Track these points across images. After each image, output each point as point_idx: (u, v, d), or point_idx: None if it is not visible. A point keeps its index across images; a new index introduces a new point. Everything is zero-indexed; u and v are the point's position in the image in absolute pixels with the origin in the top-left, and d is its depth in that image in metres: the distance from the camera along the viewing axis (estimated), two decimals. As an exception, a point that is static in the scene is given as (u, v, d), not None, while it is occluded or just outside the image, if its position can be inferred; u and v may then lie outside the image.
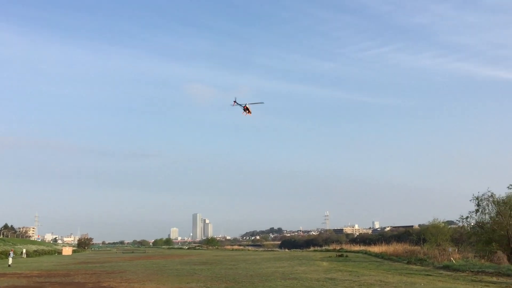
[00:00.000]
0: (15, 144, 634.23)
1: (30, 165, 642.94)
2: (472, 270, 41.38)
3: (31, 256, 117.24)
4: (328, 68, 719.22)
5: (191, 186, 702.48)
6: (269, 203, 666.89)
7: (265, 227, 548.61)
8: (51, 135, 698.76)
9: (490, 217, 59.65)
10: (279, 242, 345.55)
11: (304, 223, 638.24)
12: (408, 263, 55.67)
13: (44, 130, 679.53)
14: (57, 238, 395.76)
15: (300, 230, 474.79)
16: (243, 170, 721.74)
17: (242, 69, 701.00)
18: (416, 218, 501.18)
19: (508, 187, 57.66)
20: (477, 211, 60.16)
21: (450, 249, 61.80)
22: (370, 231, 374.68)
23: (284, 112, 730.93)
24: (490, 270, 39.83)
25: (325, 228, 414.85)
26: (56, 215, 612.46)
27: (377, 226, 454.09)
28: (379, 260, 65.61)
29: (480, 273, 38.93)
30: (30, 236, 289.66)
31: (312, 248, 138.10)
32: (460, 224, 67.60)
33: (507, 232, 55.50)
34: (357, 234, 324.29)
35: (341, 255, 77.84)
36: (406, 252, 72.03)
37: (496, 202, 58.38)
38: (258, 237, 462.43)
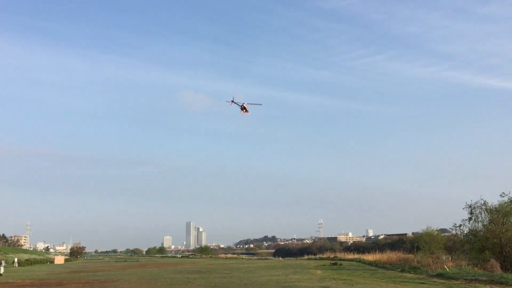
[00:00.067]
0: (7, 152, 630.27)
1: (22, 173, 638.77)
2: (465, 278, 41.49)
3: (23, 265, 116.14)
4: (322, 76, 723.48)
5: (184, 194, 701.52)
6: (263, 211, 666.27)
7: (259, 235, 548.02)
8: (43, 143, 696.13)
9: (483, 225, 60.03)
10: (273, 251, 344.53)
11: (298, 231, 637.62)
12: (402, 271, 55.70)
13: (36, 138, 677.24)
14: (49, 247, 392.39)
15: (294, 238, 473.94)
16: (236, 178, 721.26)
17: (236, 77, 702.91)
18: (409, 226, 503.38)
19: (500, 195, 58.18)
20: (470, 219, 60.54)
21: (444, 257, 61.99)
22: (364, 239, 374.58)
23: (278, 119, 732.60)
24: (484, 278, 39.96)
25: (319, 236, 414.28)
26: (48, 224, 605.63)
27: (371, 234, 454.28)
28: (373, 268, 65.58)
29: (473, 281, 39.04)
30: (22, 245, 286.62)
31: (306, 256, 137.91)
32: (454, 232, 67.99)
33: (500, 240, 55.82)
34: (351, 242, 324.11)
35: (335, 263, 77.79)
36: (400, 260, 72.12)
37: (488, 210, 58.78)
38: (252, 246, 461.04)
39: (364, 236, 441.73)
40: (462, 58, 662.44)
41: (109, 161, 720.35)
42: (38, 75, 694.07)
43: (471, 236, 62.04)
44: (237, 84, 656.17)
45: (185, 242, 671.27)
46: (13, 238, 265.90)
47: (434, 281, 40.50)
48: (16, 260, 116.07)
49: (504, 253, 55.56)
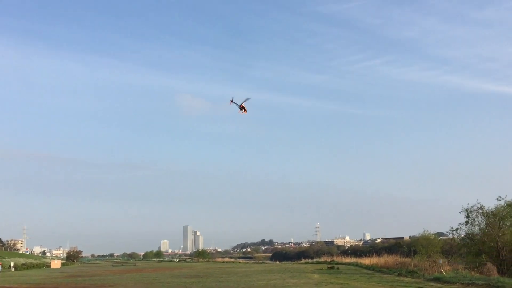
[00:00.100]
0: (3, 155, 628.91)
1: (18, 177, 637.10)
2: (462, 282, 41.56)
3: (19, 270, 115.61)
4: (319, 80, 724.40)
5: (182, 198, 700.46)
6: (260, 215, 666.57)
7: (256, 239, 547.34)
8: (40, 146, 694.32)
9: (480, 229, 60.25)
10: (270, 254, 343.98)
11: (295, 235, 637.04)
12: (399, 275, 55.74)
13: (33, 142, 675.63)
14: (45, 251, 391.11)
15: (291, 242, 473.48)
16: (234, 181, 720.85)
17: (234, 80, 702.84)
18: (406, 230, 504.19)
19: (497, 199, 58.45)
20: (466, 222, 60.78)
21: (441, 261, 62.10)
22: (361, 243, 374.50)
23: (275, 123, 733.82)
24: (480, 282, 40.02)
25: (316, 240, 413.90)
26: (45, 228, 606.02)
27: (368, 237, 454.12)
28: (370, 272, 65.59)
29: (470, 285, 39.11)
30: (19, 249, 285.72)
31: (303, 260, 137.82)
32: (450, 235, 68.27)
33: (497, 243, 56.00)
34: (348, 246, 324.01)
35: (332, 267, 77.75)
36: (397, 264, 72.18)
37: (485, 214, 59.02)
38: (249, 249, 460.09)
39: (361, 239, 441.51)
40: (458, 62, 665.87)
41: (106, 165, 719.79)
42: (36, 78, 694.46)
43: (467, 240, 62.26)
44: (235, 88, 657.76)
45: (182, 246, 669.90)
46: (9, 242, 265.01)
47: (431, 285, 40.54)
48: (12, 264, 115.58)
49: (500, 257, 55.73)
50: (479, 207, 59.57)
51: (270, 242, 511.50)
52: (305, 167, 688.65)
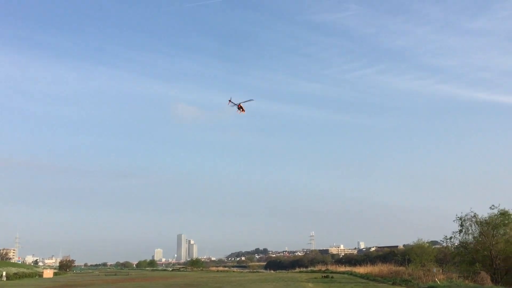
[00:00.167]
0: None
1: (11, 185, 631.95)
2: (456, 291, 41.56)
3: (11, 279, 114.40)
4: (313, 89, 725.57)
5: (175, 206, 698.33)
6: (255, 223, 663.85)
7: (250, 247, 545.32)
8: (33, 154, 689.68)
9: (474, 237, 60.35)
10: (265, 263, 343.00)
11: (289, 244, 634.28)
12: (393, 284, 55.73)
13: (26, 150, 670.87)
14: (38, 260, 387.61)
15: (285, 251, 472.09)
16: (228, 190, 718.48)
17: (228, 89, 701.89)
18: (401, 238, 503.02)
19: (490, 208, 58.60)
20: (460, 231, 60.85)
21: (435, 270, 62.10)
22: (355, 251, 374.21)
23: (269, 131, 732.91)
24: (474, 291, 40.04)
25: (311, 249, 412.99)
26: (37, 237, 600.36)
27: (362, 246, 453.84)
28: (364, 281, 65.51)
29: (464, 294, 39.10)
30: (11, 258, 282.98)
31: (297, 269, 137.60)
32: (444, 244, 68.26)
33: (490, 252, 56.08)
34: (343, 254, 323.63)
35: (327, 276, 77.61)
36: (391, 273, 72.17)
37: (479, 223, 59.15)
38: (243, 258, 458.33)
39: (355, 248, 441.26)
40: (451, 71, 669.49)
41: (99, 173, 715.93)
42: (30, 86, 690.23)
43: (461, 249, 62.32)
44: (229, 96, 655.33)
45: (176, 255, 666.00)
46: (1, 251, 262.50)
47: (425, 294, 40.50)
48: (4, 273, 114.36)
49: (494, 266, 55.81)
50: (472, 215, 59.77)
51: (265, 251, 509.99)
52: (300, 175, 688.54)
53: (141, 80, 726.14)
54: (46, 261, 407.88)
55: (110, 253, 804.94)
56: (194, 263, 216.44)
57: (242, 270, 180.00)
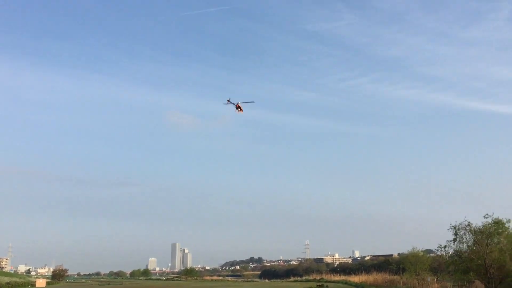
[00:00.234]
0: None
1: (3, 194, 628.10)
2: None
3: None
4: (309, 98, 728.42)
5: (170, 215, 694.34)
6: (249, 232, 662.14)
7: (245, 256, 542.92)
8: (27, 162, 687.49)
9: (468, 246, 60.36)
10: (259, 272, 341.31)
11: (284, 252, 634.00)
12: (388, 293, 55.61)
13: (20, 158, 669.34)
14: (30, 270, 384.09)
15: (280, 260, 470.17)
16: (222, 198, 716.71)
17: (223, 97, 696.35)
18: (395, 247, 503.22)
19: (484, 216, 58.69)
20: (454, 240, 60.86)
21: (429, 279, 62.13)
22: (350, 260, 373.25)
23: (264, 140, 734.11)
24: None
25: (306, 257, 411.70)
26: (30, 246, 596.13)
27: (357, 255, 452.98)
28: (359, 290, 65.37)
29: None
30: (3, 267, 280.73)
31: (292, 278, 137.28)
32: (439, 253, 68.22)
33: (485, 261, 56.10)
34: (337, 263, 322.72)
35: (322, 286, 77.42)
36: (386, 282, 72.20)
37: (473, 231, 59.21)
38: (238, 267, 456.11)
39: (350, 257, 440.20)
40: (444, 80, 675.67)
41: (93, 182, 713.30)
42: (24, 93, 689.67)
43: (456, 257, 62.30)
44: (224, 105, 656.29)
45: (170, 264, 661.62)
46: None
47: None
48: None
49: (488, 275, 55.81)
50: (466, 224, 59.81)
51: (259, 260, 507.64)
52: (294, 184, 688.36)
53: (135, 88, 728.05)
54: (39, 270, 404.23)
55: (103, 262, 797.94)
56: (189, 272, 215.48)
57: (236, 279, 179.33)
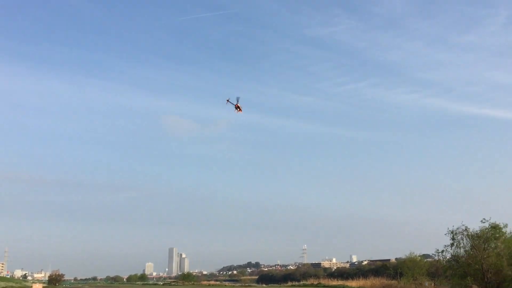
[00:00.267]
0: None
1: (0, 198, 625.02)
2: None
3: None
4: (306, 102, 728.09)
5: (167, 220, 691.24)
6: (247, 237, 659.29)
7: (242, 261, 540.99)
8: (23, 167, 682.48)
9: (465, 251, 60.47)
10: (257, 277, 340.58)
11: (281, 257, 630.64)
12: (386, 298, 55.57)
13: (16, 162, 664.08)
14: (27, 274, 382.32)
15: (277, 265, 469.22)
16: (219, 203, 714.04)
17: (221, 102, 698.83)
18: (393, 252, 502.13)
19: (481, 221, 58.82)
20: (452, 244, 60.99)
21: (427, 283, 62.19)
22: (347, 265, 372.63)
23: (261, 145, 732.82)
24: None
25: (303, 262, 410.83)
26: (27, 250, 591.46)
27: (354, 259, 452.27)
28: (356, 295, 65.30)
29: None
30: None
31: (289, 283, 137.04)
32: (436, 257, 68.33)
33: (482, 266, 56.19)
34: (335, 268, 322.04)
35: (319, 290, 77.27)
36: (383, 287, 72.21)
37: (470, 236, 59.34)
38: (235, 272, 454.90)
39: (348, 262, 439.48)
40: (442, 85, 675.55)
41: (90, 186, 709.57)
42: (21, 98, 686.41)
43: (453, 262, 62.36)
44: (222, 109, 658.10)
45: (167, 269, 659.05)
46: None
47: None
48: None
49: (485, 279, 55.87)
50: (464, 229, 59.97)
51: (257, 265, 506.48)
52: (291, 188, 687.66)
53: (133, 93, 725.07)
54: (35, 275, 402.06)
55: (100, 267, 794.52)
56: (186, 277, 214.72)
57: (234, 284, 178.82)
